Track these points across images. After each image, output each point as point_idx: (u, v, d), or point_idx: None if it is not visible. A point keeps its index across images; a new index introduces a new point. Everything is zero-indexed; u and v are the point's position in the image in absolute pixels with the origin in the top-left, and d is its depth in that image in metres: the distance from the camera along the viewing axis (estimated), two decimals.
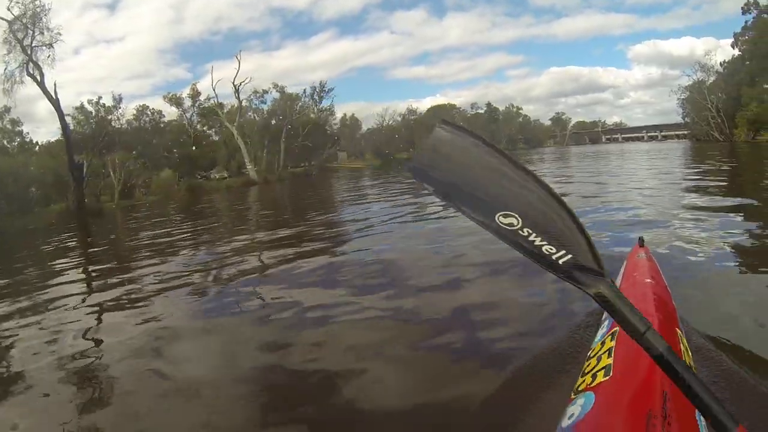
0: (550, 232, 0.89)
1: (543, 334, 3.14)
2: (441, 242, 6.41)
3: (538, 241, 0.89)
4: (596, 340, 2.13)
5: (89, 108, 42.29)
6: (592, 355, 1.96)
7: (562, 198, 0.89)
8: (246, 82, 45.70)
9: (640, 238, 3.32)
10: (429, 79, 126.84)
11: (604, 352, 1.83)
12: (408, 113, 77.65)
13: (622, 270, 2.94)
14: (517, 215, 0.89)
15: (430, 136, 0.94)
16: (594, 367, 1.76)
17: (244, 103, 49.96)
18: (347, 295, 4.42)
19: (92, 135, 39.34)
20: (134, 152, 39.98)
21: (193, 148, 47.65)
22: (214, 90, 48.32)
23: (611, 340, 1.87)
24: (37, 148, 41.14)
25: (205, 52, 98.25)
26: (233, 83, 44.95)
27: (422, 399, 2.54)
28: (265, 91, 52.87)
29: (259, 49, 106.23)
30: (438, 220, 8.42)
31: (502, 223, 0.90)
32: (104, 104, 42.84)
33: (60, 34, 25.17)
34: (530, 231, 0.89)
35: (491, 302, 3.93)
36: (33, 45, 24.43)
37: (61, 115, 26.67)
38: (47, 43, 24.84)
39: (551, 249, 0.89)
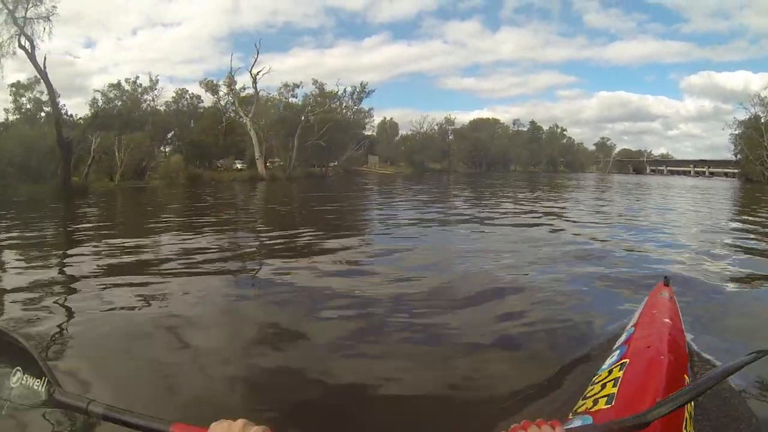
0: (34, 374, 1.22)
1: (549, 351, 3.36)
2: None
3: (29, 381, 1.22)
4: (603, 367, 2.16)
5: (126, 87, 43.55)
6: (596, 381, 1.99)
7: None
8: (265, 72, 44.75)
9: (665, 277, 3.38)
10: (478, 92, 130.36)
11: (610, 380, 1.86)
12: (446, 122, 76.62)
13: (642, 305, 3.00)
14: (19, 370, 1.23)
15: None
16: (597, 393, 1.80)
17: (275, 95, 50.23)
18: None
19: (118, 114, 40.37)
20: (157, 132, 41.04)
21: (224, 136, 47.72)
22: (233, 77, 45.38)
23: (619, 371, 1.91)
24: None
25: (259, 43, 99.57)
26: (250, 72, 43.97)
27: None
28: (296, 85, 52.13)
29: (312, 46, 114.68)
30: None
31: (13, 383, 1.22)
32: (141, 84, 44.11)
33: (55, 7, 25.06)
34: (26, 376, 1.22)
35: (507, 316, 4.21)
36: (27, 17, 24.33)
37: (50, 89, 26.73)
38: (44, 16, 24.75)
39: (37, 382, 1.21)
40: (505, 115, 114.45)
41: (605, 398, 1.71)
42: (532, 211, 14.67)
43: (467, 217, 13.04)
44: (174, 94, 48.85)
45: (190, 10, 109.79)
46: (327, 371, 3.09)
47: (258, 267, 6.65)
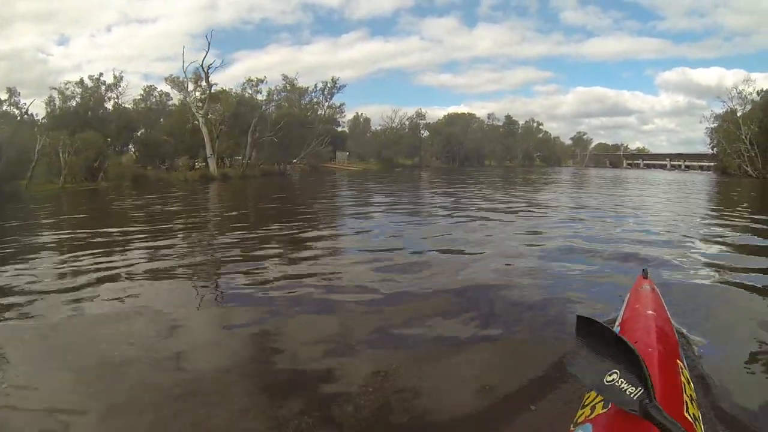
0: (630, 381, 1.43)
1: (546, 361, 3.23)
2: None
3: (624, 386, 1.43)
4: None
5: (90, 84, 42.45)
6: None
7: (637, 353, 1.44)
8: (217, 65, 44.02)
9: (643, 269, 3.42)
10: (455, 88, 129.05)
11: None
12: (416, 116, 76.01)
13: (626, 301, 3.04)
14: (617, 372, 1.46)
15: (580, 338, 1.66)
16: (594, 400, 1.82)
17: (237, 91, 48.63)
18: None
19: (74, 112, 39.59)
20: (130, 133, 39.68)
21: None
22: (184, 73, 42.76)
23: None
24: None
25: (235, 40, 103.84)
26: (201, 66, 42.11)
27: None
28: (260, 80, 50.51)
29: (289, 42, 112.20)
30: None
31: (607, 381, 1.46)
32: (104, 81, 42.95)
33: None
34: (622, 380, 1.45)
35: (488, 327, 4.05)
36: None
37: None
38: None
39: (632, 390, 1.41)
40: (481, 110, 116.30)
41: (601, 403, 1.73)
42: (508, 208, 14.54)
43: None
44: (142, 92, 47.15)
45: (167, 7, 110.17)
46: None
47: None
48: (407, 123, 75.28)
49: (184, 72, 42.73)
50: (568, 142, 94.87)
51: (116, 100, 44.14)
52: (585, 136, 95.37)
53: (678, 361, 2.07)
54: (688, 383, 1.94)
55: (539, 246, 7.60)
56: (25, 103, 41.19)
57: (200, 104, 43.05)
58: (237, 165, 45.71)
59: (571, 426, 1.76)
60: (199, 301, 4.96)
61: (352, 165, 65.46)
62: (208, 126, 41.84)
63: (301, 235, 9.24)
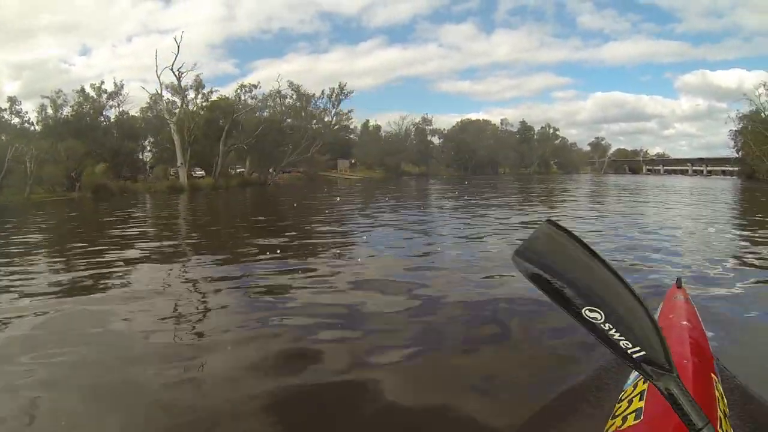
0: (627, 328, 1.09)
1: (574, 371, 3.29)
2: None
3: (616, 336, 1.09)
4: (628, 383, 2.19)
5: (91, 92, 43.33)
6: (623, 398, 2.02)
7: (643, 299, 1.09)
8: (188, 69, 42.64)
9: (677, 279, 3.38)
10: (473, 95, 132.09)
11: (636, 395, 1.89)
12: (423, 122, 76.03)
13: (658, 311, 2.99)
14: (600, 311, 1.08)
15: (538, 231, 1.14)
16: (625, 410, 1.83)
17: (232, 96, 48.11)
18: None
19: (64, 122, 40.47)
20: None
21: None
22: (159, 78, 42.27)
23: (644, 383, 1.91)
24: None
25: (254, 50, 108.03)
26: (171, 69, 41.85)
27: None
28: (254, 86, 49.94)
29: (307, 51, 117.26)
30: None
31: (587, 316, 1.09)
32: (105, 90, 43.82)
33: None
34: (611, 326, 1.08)
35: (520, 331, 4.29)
36: None
37: None
38: None
39: (627, 344, 1.09)
40: (500, 117, 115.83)
41: (633, 413, 1.74)
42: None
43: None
44: (149, 100, 47.00)
45: (186, 17, 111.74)
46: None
47: None
48: (413, 129, 75.13)
49: (158, 77, 42.53)
50: (587, 148, 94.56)
51: (117, 108, 45.02)
52: (603, 142, 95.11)
53: (712, 375, 2.05)
54: (722, 398, 1.93)
55: None
56: (26, 112, 42.09)
57: (175, 111, 42.96)
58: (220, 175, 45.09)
59: None
60: None
61: (353, 173, 65.40)
62: (180, 133, 41.42)
63: None
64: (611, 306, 1.08)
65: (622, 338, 1.08)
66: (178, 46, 41.32)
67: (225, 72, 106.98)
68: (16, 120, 41.58)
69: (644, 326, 1.09)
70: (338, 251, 8.68)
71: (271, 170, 50.42)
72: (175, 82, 43.69)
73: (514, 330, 4.37)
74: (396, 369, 3.51)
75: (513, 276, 5.71)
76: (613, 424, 1.79)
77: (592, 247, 1.11)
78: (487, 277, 6.32)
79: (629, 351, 1.09)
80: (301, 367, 3.60)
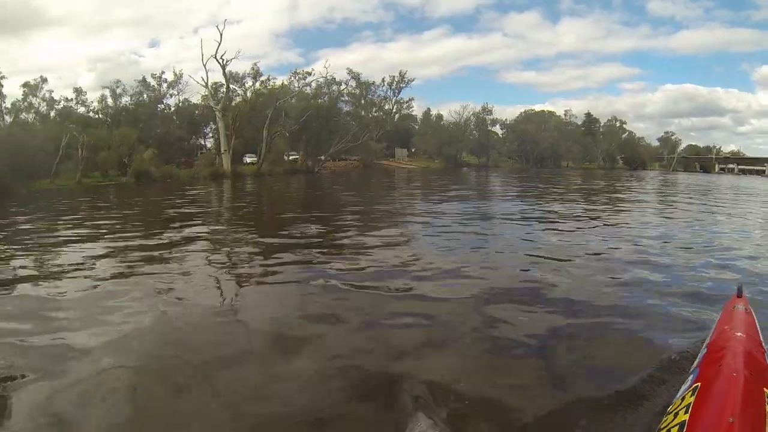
0: None
1: (620, 380, 3.38)
2: None
3: None
4: (678, 395, 2.26)
5: (152, 82, 46.49)
6: (671, 411, 2.10)
7: None
8: (233, 57, 42.80)
9: (738, 287, 3.36)
10: (539, 86, 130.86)
11: (683, 408, 1.96)
12: (483, 112, 74.16)
13: (716, 322, 3.05)
14: None
15: None
16: (670, 423, 1.90)
17: (283, 83, 49.06)
18: None
19: (123, 109, 43.00)
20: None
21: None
22: (204, 66, 42.49)
23: (691, 396, 2.01)
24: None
25: (318, 39, 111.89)
26: (215, 57, 41.92)
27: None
28: (308, 72, 50.97)
29: (371, 40, 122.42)
30: None
31: None
32: (165, 79, 47.00)
33: None
34: None
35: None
36: None
37: None
38: None
39: None
40: (564, 108, 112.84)
41: (677, 427, 1.79)
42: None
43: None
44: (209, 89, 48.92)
45: (252, 8, 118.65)
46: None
47: None
48: (473, 119, 73.43)
49: (204, 65, 42.98)
50: (655, 143, 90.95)
51: (178, 97, 47.66)
52: (674, 137, 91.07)
53: (765, 390, 2.03)
54: None
55: (643, 260, 7.69)
56: (92, 101, 45.29)
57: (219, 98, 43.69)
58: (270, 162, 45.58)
59: None
60: None
61: (410, 163, 64.82)
62: (225, 120, 42.20)
63: None
64: None
65: None
66: (221, 35, 42.02)
67: (289, 61, 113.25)
68: (81, 109, 44.85)
69: None
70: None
71: (321, 157, 50.33)
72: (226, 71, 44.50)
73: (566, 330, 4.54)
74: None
75: None
76: None
77: None
78: None
79: None
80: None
